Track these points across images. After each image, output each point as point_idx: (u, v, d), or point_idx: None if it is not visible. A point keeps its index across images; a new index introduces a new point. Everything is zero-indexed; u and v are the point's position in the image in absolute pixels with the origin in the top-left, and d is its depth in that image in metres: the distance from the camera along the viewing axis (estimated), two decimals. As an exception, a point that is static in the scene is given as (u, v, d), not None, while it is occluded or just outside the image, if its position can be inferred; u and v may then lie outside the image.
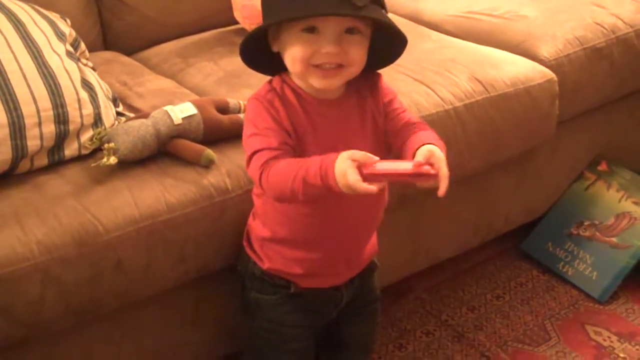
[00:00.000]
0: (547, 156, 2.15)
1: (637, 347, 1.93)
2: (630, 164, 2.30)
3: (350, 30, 1.25)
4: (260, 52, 1.33)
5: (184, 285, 1.57)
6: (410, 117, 1.40)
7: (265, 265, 1.45)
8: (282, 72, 1.34)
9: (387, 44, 1.32)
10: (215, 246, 1.54)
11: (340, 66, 1.27)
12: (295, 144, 1.31)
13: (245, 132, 1.33)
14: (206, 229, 1.51)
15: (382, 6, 1.27)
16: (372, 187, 1.16)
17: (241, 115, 1.64)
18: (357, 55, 1.27)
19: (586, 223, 2.21)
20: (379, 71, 1.40)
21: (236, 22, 2.22)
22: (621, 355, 1.90)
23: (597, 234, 2.18)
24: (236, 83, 1.89)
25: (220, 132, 1.61)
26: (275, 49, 1.31)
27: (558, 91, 2.00)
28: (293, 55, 1.27)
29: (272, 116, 1.29)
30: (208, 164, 1.54)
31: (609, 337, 1.96)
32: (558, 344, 1.94)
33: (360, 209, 1.39)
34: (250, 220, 1.49)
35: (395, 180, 1.29)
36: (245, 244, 1.50)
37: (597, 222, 2.20)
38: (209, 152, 1.54)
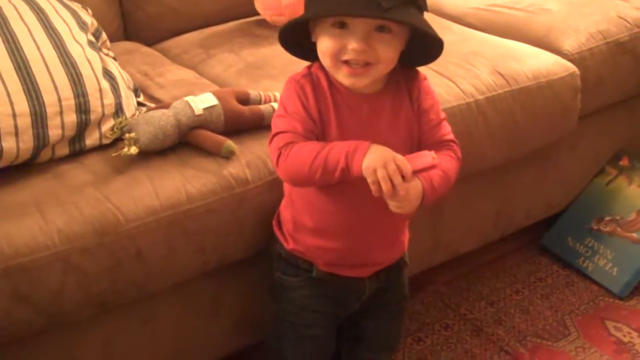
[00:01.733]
0: (568, 150, 2.14)
1: (657, 343, 1.92)
2: (652, 159, 2.28)
3: (380, 28, 1.26)
4: (302, 39, 1.35)
5: (203, 276, 1.57)
6: (443, 134, 1.39)
7: (290, 245, 1.46)
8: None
9: (424, 44, 1.32)
10: (234, 237, 1.54)
11: (367, 64, 1.27)
12: (319, 133, 1.33)
13: (276, 112, 1.37)
14: (226, 220, 1.51)
15: (419, 6, 1.27)
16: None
17: (262, 107, 1.64)
18: (385, 53, 1.27)
19: (607, 218, 2.19)
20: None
21: (257, 13, 2.21)
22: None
23: (618, 229, 2.16)
24: (257, 74, 1.89)
25: (241, 123, 1.61)
26: (314, 39, 1.33)
27: (580, 85, 1.99)
28: (323, 48, 1.29)
29: (301, 102, 1.32)
30: (228, 155, 1.54)
31: (629, 333, 1.95)
32: (578, 340, 1.93)
33: (383, 201, 1.38)
34: (282, 203, 1.50)
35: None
36: (274, 223, 1.51)
37: (618, 218, 2.18)
38: (229, 143, 1.54)
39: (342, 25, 1.26)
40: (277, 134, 1.32)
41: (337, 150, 1.26)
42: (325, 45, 1.28)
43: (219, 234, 1.52)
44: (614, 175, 2.26)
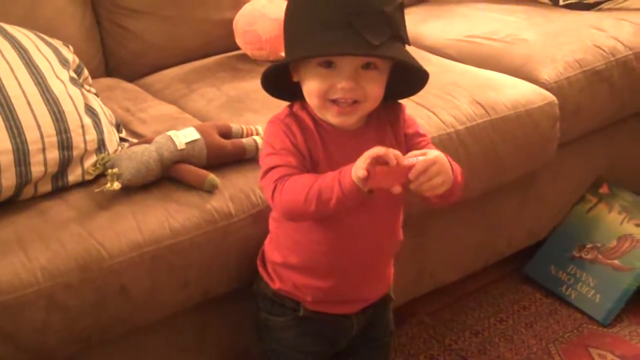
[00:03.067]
0: (548, 179, 2.16)
1: (641, 369, 1.93)
2: (631, 186, 2.30)
3: (366, 66, 1.26)
4: (281, 80, 1.34)
5: (188, 310, 1.56)
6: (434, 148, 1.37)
7: (276, 285, 1.45)
8: (302, 99, 1.35)
9: (408, 76, 1.33)
10: (218, 271, 1.54)
11: (356, 102, 1.27)
12: (311, 169, 1.32)
13: (263, 152, 1.35)
14: (210, 254, 1.51)
15: (402, 40, 1.28)
16: (363, 171, 1.18)
17: (244, 140, 1.64)
18: (373, 90, 1.28)
19: (588, 246, 2.21)
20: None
21: (238, 48, 2.23)
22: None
23: (600, 256, 2.18)
24: (239, 108, 1.90)
25: (223, 157, 1.61)
26: (295, 79, 1.33)
27: (559, 114, 2.01)
28: (310, 89, 1.29)
29: (289, 139, 1.31)
30: (211, 189, 1.55)
31: (612, 360, 1.96)
32: (562, 367, 1.94)
33: (373, 238, 1.39)
34: (266, 241, 1.49)
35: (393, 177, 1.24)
36: (258, 262, 1.50)
37: (599, 245, 2.20)
38: (212, 177, 1.55)
39: (329, 65, 1.26)
40: (270, 169, 1.31)
41: (329, 179, 1.25)
42: (312, 85, 1.28)
43: (203, 267, 1.52)
44: (594, 202, 2.28)
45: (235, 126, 1.69)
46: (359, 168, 1.19)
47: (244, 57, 2.21)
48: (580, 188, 2.30)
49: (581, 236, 2.23)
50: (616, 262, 2.14)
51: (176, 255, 1.48)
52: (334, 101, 1.27)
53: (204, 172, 1.56)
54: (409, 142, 1.38)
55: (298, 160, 1.30)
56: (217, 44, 2.28)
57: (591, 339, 2.03)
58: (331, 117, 1.30)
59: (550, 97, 2.01)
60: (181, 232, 1.48)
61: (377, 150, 1.20)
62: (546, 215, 2.24)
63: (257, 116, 1.82)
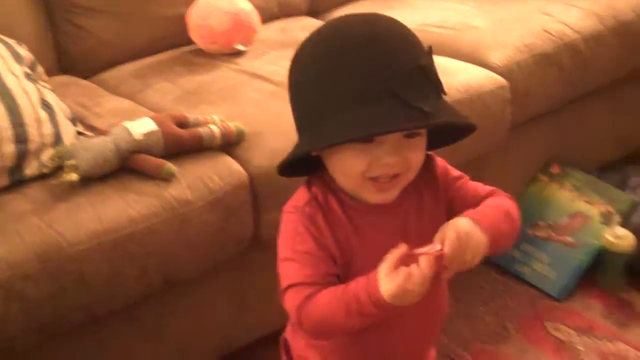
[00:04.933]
0: (500, 161, 2.20)
1: (595, 340, 1.98)
2: (582, 165, 2.36)
3: (410, 134, 1.07)
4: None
5: (148, 299, 1.58)
6: (479, 192, 1.20)
7: None
8: (318, 173, 1.14)
9: (445, 127, 1.12)
10: (179, 258, 1.56)
11: (396, 175, 1.08)
12: (342, 267, 1.11)
13: (281, 254, 1.12)
14: (169, 241, 1.54)
15: (443, 91, 1.09)
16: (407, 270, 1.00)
17: (201, 129, 1.66)
18: (417, 160, 1.09)
19: (541, 224, 2.25)
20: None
21: (192, 43, 2.24)
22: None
23: (553, 234, 2.22)
24: (195, 100, 1.92)
25: (181, 146, 1.63)
26: (314, 153, 1.11)
27: (510, 97, 2.05)
28: (345, 168, 1.08)
29: (313, 237, 1.09)
30: (169, 177, 1.57)
31: (567, 332, 2.00)
32: (519, 342, 1.98)
33: (413, 335, 1.22)
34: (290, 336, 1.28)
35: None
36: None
37: (551, 223, 2.24)
38: (169, 165, 1.57)
39: (369, 139, 1.05)
40: (289, 287, 1.09)
41: (363, 297, 1.04)
42: (349, 164, 1.06)
43: (163, 254, 1.54)
44: (546, 182, 2.33)
45: (191, 116, 1.71)
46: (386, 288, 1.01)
47: (198, 52, 2.23)
48: (532, 169, 2.35)
49: (534, 215, 2.28)
50: (568, 238, 2.19)
51: (135, 244, 1.49)
52: (374, 178, 1.07)
53: (161, 161, 1.58)
54: (449, 192, 1.19)
55: (324, 269, 1.09)
56: (172, 39, 2.29)
57: (546, 313, 2.08)
58: (369, 196, 1.10)
59: (501, 80, 2.05)
60: (140, 220, 1.50)
61: (394, 256, 1.02)
62: (500, 196, 2.27)
63: (212, 107, 1.84)
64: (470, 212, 1.10)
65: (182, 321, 1.69)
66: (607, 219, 2.19)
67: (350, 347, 1.17)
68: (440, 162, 1.21)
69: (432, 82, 1.06)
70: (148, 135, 1.60)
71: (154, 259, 1.53)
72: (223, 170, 1.63)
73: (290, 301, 1.09)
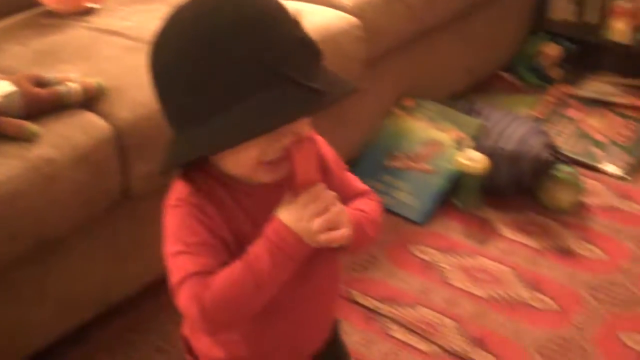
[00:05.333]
0: (356, 99, 2.26)
1: (457, 257, 2.12)
2: (434, 95, 2.47)
3: None
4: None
5: (24, 263, 1.58)
6: (355, 187, 1.19)
7: None
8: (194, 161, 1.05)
9: None
10: (48, 217, 1.57)
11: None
12: (237, 254, 1.03)
13: (170, 248, 1.05)
14: (38, 201, 1.54)
15: (323, 57, 1.03)
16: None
17: (59, 87, 1.66)
18: (308, 133, 1.04)
19: (399, 155, 2.35)
20: None
21: (39, 5, 2.19)
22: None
23: (410, 163, 2.33)
24: (51, 60, 1.89)
25: (40, 106, 1.63)
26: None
27: (363, 35, 2.12)
28: (238, 159, 1.02)
29: (205, 227, 1.03)
30: (32, 138, 1.56)
31: (431, 253, 2.13)
32: (387, 267, 2.08)
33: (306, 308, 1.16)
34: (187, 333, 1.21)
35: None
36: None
37: (408, 153, 2.34)
38: (31, 125, 1.57)
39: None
40: (185, 278, 1.01)
41: (261, 253, 1.01)
42: (244, 153, 1.00)
43: (33, 216, 1.54)
44: (401, 115, 2.43)
45: (48, 76, 1.70)
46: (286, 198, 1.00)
47: (48, 13, 2.18)
48: (387, 103, 2.44)
49: (391, 147, 2.37)
50: (426, 165, 2.31)
51: (1, 207, 1.48)
52: (269, 161, 1.02)
53: (22, 122, 1.57)
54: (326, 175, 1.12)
55: (220, 258, 1.03)
56: (18, 2, 2.22)
57: (410, 237, 2.19)
58: (261, 177, 1.04)
59: (353, 20, 2.12)
60: (4, 182, 1.49)
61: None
62: (358, 134, 2.36)
63: (68, 66, 1.82)
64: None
65: (62, 281, 1.69)
66: (459, 144, 2.31)
67: (257, 334, 1.12)
68: (324, 144, 1.17)
69: (314, 53, 1.01)
70: (6, 97, 1.58)
71: (23, 221, 1.52)
72: (86, 126, 1.64)
73: (187, 292, 1.01)
